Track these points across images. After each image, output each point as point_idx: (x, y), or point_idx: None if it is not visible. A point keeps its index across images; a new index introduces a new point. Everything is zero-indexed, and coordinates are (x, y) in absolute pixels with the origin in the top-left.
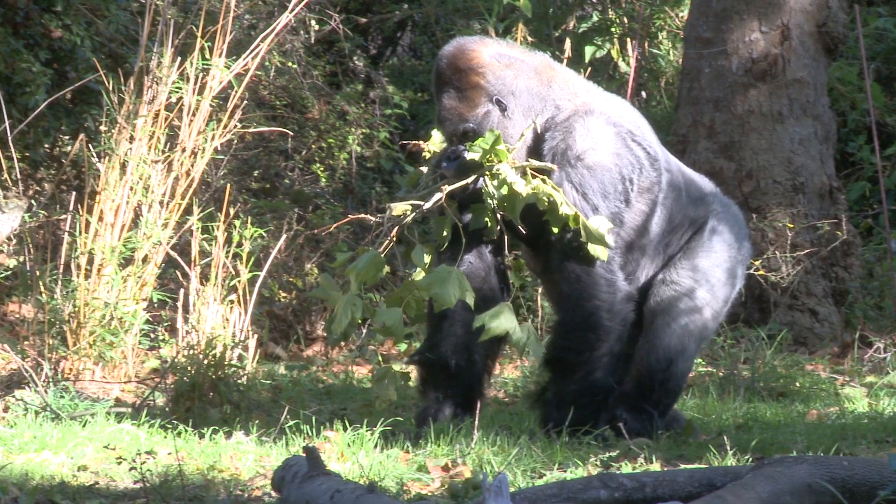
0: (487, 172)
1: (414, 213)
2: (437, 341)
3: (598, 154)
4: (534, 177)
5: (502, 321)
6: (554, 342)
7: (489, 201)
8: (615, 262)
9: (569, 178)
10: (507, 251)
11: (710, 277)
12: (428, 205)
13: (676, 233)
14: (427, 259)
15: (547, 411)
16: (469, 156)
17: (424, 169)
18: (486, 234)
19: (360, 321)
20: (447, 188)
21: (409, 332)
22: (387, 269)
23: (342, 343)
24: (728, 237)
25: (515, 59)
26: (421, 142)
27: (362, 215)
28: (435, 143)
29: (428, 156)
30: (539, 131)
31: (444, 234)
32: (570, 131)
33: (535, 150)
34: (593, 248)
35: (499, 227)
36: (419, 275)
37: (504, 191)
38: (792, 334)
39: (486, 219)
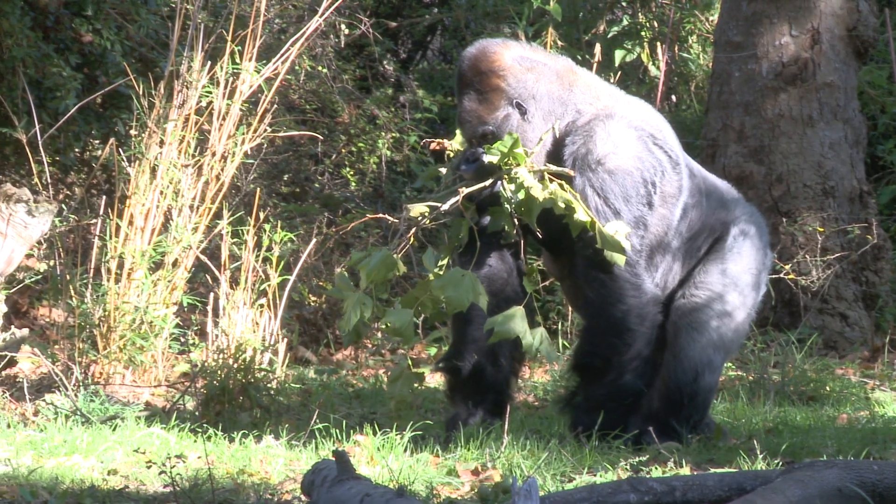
0: (505, 175)
1: (431, 215)
2: (463, 348)
3: (619, 158)
4: (551, 181)
5: (513, 324)
6: (581, 347)
7: (506, 205)
8: (640, 265)
9: (590, 182)
10: (522, 255)
11: (738, 282)
12: (445, 206)
13: (699, 238)
14: (443, 261)
15: (576, 416)
16: (487, 158)
17: (443, 169)
18: (504, 238)
19: (368, 320)
20: (464, 190)
21: (417, 338)
22: (402, 269)
23: (357, 341)
24: (756, 242)
25: (538, 62)
26: (445, 141)
27: (381, 215)
28: (458, 142)
29: (451, 155)
30: (559, 135)
31: (461, 235)
32: (591, 135)
33: (556, 155)
34: (609, 255)
35: (516, 231)
36: (434, 277)
37: (521, 194)
38: (822, 338)
39: (504, 222)
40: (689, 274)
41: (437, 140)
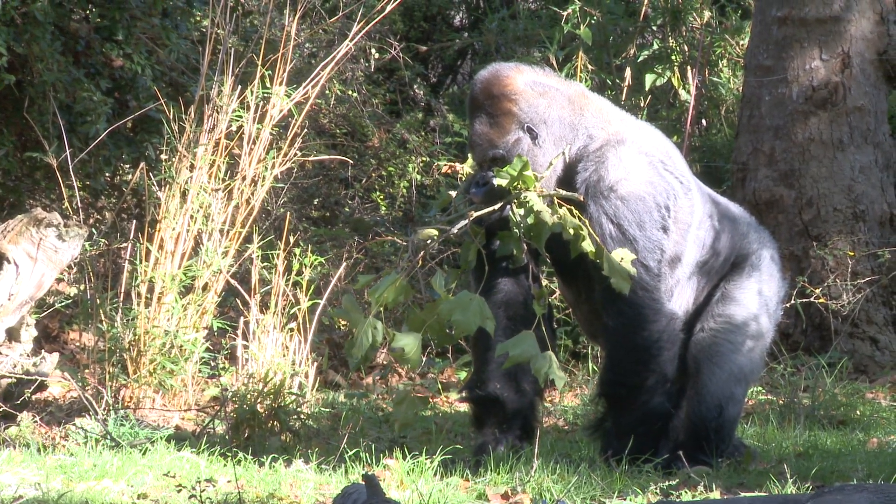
0: (515, 200)
1: (440, 238)
2: (485, 376)
3: (632, 184)
4: (560, 206)
5: (525, 349)
6: (605, 376)
7: (515, 229)
8: (659, 290)
9: (603, 210)
10: (530, 280)
11: (756, 312)
12: (454, 230)
13: (714, 261)
14: (452, 284)
15: (607, 441)
16: (497, 181)
17: (453, 192)
18: (513, 262)
19: (379, 345)
20: (474, 214)
21: (423, 361)
22: (412, 292)
23: (364, 365)
24: (773, 269)
25: (550, 87)
26: (456, 164)
27: (391, 238)
28: (469, 166)
29: (463, 178)
30: (570, 161)
31: (469, 259)
32: (603, 161)
33: (567, 180)
34: (616, 283)
35: (525, 255)
36: (443, 300)
37: (530, 219)
38: (852, 362)
39: (513, 246)
40: (707, 301)
41: (449, 163)
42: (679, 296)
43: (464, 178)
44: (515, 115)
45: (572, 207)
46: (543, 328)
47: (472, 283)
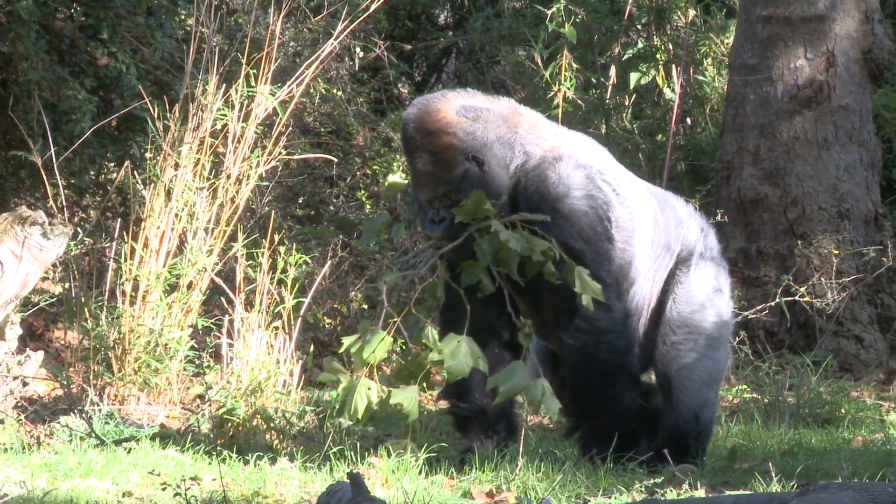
0: (476, 230)
1: (406, 281)
2: (463, 388)
3: (572, 200)
4: (523, 228)
5: (515, 381)
6: (574, 392)
7: (482, 259)
8: (612, 299)
9: (547, 229)
10: (509, 307)
11: (712, 308)
12: (422, 270)
13: (663, 258)
14: (423, 325)
15: (585, 444)
16: (458, 218)
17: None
18: (481, 290)
19: (377, 405)
20: (439, 252)
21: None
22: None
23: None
24: (717, 258)
25: (481, 109)
26: (379, 189)
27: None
28: (394, 188)
29: (387, 201)
30: (510, 181)
31: (439, 295)
32: (543, 180)
33: (511, 201)
34: (586, 299)
35: (496, 283)
36: (431, 351)
37: (497, 247)
38: (837, 361)
39: (481, 275)
40: (663, 300)
41: (373, 190)
42: (636, 296)
43: (387, 200)
44: (456, 147)
45: (536, 229)
46: (532, 356)
47: (447, 319)
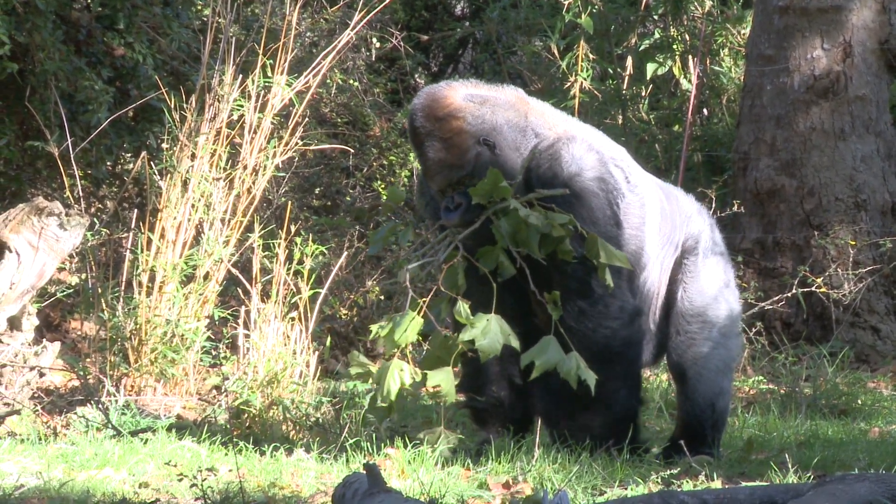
0: (493, 213)
1: (426, 270)
2: (479, 380)
3: (585, 180)
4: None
5: (549, 355)
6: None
7: (500, 241)
8: (621, 286)
9: (557, 206)
10: (532, 285)
11: (722, 299)
12: (441, 258)
13: (670, 248)
14: (444, 314)
15: (571, 434)
16: (475, 200)
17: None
18: (501, 274)
19: (410, 387)
20: (459, 237)
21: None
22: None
23: (390, 415)
24: (723, 250)
25: (488, 96)
26: (378, 203)
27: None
28: (394, 198)
29: (388, 212)
30: (523, 162)
31: (460, 283)
32: (556, 159)
33: (524, 181)
34: (602, 271)
35: (516, 264)
36: (459, 334)
37: (516, 226)
38: (854, 352)
39: (500, 258)
40: (672, 290)
41: (372, 204)
42: (647, 281)
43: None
44: (467, 131)
45: (553, 206)
46: (562, 331)
47: (473, 304)
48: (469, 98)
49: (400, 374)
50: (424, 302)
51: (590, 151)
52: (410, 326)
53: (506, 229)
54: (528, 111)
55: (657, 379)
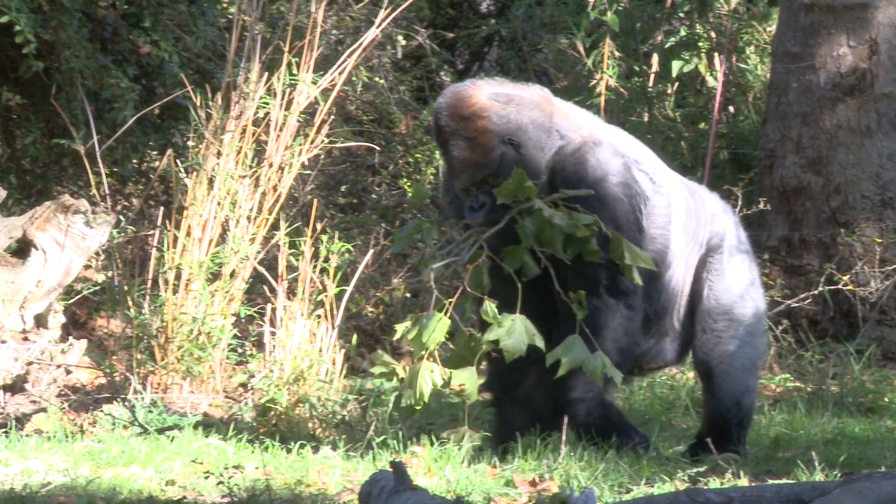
0: (518, 212)
1: (451, 269)
2: (506, 379)
3: (610, 186)
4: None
5: (575, 353)
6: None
7: (525, 241)
8: (636, 293)
9: (583, 208)
10: (557, 286)
11: (748, 297)
12: (466, 257)
13: (694, 245)
14: (468, 314)
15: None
16: (500, 200)
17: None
18: (525, 274)
19: (440, 388)
20: (483, 237)
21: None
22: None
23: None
24: (747, 250)
25: (513, 94)
26: (403, 199)
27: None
28: (419, 195)
29: (412, 209)
30: (548, 164)
31: (485, 283)
32: (582, 163)
33: (549, 182)
34: (631, 272)
35: (541, 264)
36: (484, 333)
37: (541, 226)
38: (881, 349)
39: (525, 257)
40: (697, 288)
41: (397, 201)
42: (672, 279)
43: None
44: (492, 130)
45: (578, 206)
46: (586, 329)
47: (498, 304)
48: (494, 97)
49: (431, 376)
50: (451, 303)
51: (615, 156)
52: (438, 328)
53: (530, 229)
54: (553, 111)
55: (683, 377)
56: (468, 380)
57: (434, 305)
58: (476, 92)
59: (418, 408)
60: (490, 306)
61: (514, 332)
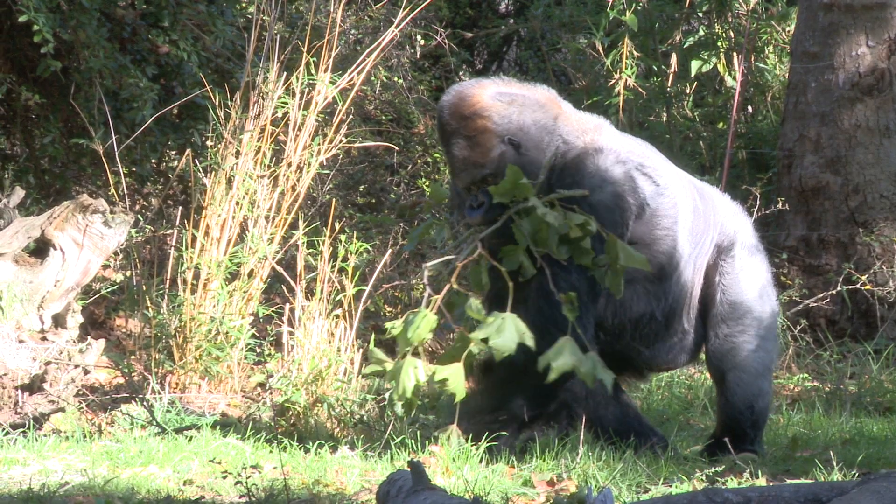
0: (515, 212)
1: (449, 268)
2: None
3: (603, 194)
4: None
5: (566, 357)
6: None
7: (521, 240)
8: (587, 307)
9: (578, 211)
10: (552, 286)
11: (760, 299)
12: (462, 257)
13: (703, 246)
14: (471, 299)
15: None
16: (496, 199)
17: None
18: (522, 274)
19: (424, 384)
20: (480, 236)
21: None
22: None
23: (409, 410)
24: (760, 252)
25: (517, 95)
26: (420, 199)
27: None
28: (437, 196)
29: (429, 210)
30: (549, 167)
31: (484, 282)
32: (580, 170)
33: (547, 186)
34: (613, 281)
35: (536, 264)
36: (480, 329)
37: (537, 226)
38: None
39: (521, 258)
40: (708, 292)
41: (414, 201)
42: (681, 279)
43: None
44: (492, 130)
45: (575, 206)
46: (579, 331)
47: (491, 305)
48: (497, 97)
49: (414, 372)
50: (436, 300)
51: (616, 164)
52: (423, 324)
53: (527, 229)
54: (557, 113)
55: (702, 376)
56: (453, 376)
57: (423, 303)
58: (479, 91)
59: (401, 402)
60: (476, 304)
61: (504, 330)
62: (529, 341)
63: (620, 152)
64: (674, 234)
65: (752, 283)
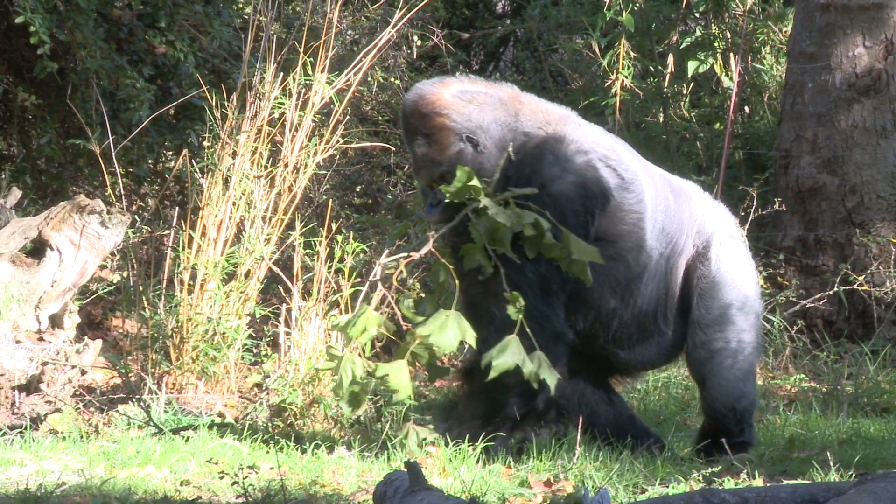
0: (470, 210)
1: (406, 263)
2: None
3: (563, 183)
4: (517, 205)
5: (509, 355)
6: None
7: (477, 239)
8: (559, 298)
9: (531, 206)
10: (504, 285)
11: (738, 303)
12: (417, 255)
13: (679, 243)
14: (430, 311)
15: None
16: (447, 197)
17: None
18: (482, 273)
19: (362, 380)
20: (435, 235)
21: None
22: (390, 326)
23: (359, 407)
24: (740, 246)
25: (478, 93)
26: (406, 199)
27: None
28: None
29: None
30: (511, 160)
31: (442, 280)
32: (539, 159)
33: (506, 180)
34: (579, 268)
35: (493, 262)
36: (423, 326)
37: (493, 224)
38: None
39: (479, 257)
40: (686, 301)
41: (400, 200)
42: (652, 286)
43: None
44: (450, 128)
45: (530, 203)
46: (527, 330)
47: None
48: (458, 95)
49: (352, 367)
50: (376, 298)
51: (577, 154)
52: (363, 321)
53: (482, 228)
54: (519, 109)
55: None
56: (394, 373)
57: (364, 299)
58: (440, 90)
59: (349, 397)
60: (409, 302)
61: (446, 327)
62: (471, 339)
63: (583, 142)
64: (640, 230)
65: (731, 284)
